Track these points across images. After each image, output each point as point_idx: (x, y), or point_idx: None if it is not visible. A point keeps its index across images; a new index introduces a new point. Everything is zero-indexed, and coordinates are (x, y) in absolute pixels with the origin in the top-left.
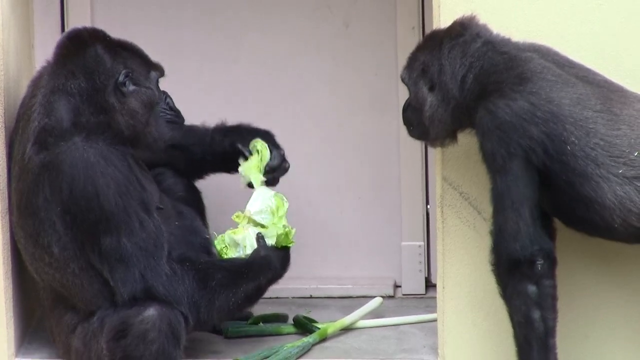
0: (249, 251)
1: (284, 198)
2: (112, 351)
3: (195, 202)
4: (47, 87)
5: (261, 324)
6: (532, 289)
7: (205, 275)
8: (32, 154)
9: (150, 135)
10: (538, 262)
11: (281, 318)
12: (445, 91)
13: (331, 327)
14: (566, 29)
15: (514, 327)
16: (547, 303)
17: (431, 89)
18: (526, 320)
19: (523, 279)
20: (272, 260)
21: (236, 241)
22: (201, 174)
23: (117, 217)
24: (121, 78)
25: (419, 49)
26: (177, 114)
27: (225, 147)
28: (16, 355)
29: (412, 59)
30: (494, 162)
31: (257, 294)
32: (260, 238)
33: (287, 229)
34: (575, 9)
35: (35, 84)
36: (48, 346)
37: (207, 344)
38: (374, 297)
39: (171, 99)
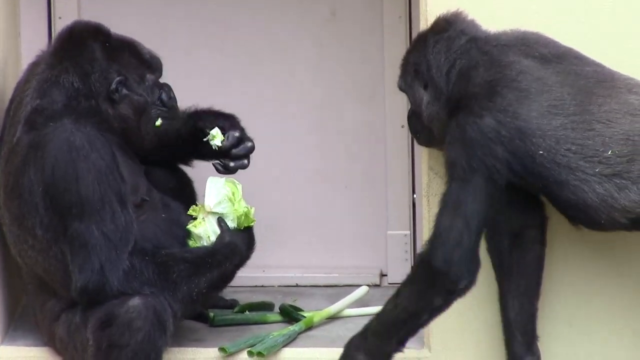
0: (213, 239)
1: (235, 181)
2: (98, 340)
3: (186, 193)
4: (43, 75)
5: (247, 312)
6: (438, 301)
7: (166, 268)
8: (22, 134)
9: (140, 136)
10: (461, 284)
11: (267, 306)
12: (434, 86)
13: (317, 316)
14: (553, 17)
15: (395, 305)
16: (438, 314)
17: (425, 87)
18: (411, 317)
19: (438, 289)
20: (237, 245)
21: (198, 235)
22: (181, 160)
23: (91, 204)
24: (114, 86)
25: (408, 52)
26: (170, 110)
27: (190, 129)
28: (1, 343)
29: (404, 63)
30: (454, 170)
31: (224, 280)
32: (221, 222)
33: (246, 209)
34: None
35: (32, 70)
36: (33, 333)
37: (192, 332)
38: (360, 285)
39: (168, 92)
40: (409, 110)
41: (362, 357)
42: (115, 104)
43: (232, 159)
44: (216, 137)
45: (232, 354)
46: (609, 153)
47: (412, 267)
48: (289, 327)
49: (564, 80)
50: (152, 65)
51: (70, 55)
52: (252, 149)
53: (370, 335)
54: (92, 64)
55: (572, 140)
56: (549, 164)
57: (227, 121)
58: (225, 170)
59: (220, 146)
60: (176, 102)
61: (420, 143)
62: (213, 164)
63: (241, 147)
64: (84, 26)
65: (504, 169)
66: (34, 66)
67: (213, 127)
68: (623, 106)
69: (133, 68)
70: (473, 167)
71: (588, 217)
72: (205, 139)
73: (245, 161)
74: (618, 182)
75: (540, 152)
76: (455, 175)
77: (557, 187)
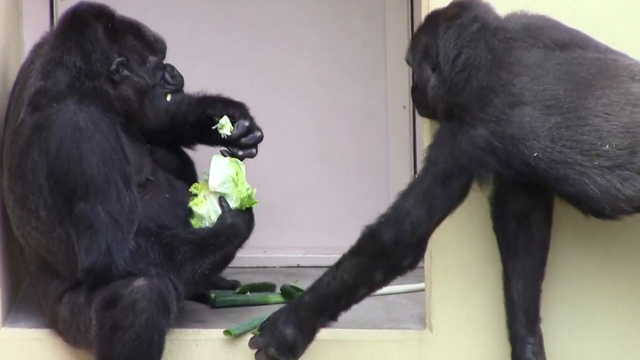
0: (214, 218)
1: (239, 162)
2: (101, 321)
3: (189, 174)
4: (46, 56)
5: (248, 293)
6: (379, 276)
7: (171, 249)
8: (26, 115)
9: (144, 117)
10: (404, 262)
11: (268, 287)
12: (441, 72)
13: None
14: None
15: (334, 277)
16: (376, 289)
17: (434, 70)
18: (349, 290)
19: (381, 263)
20: (239, 227)
21: (200, 214)
22: (186, 144)
23: (96, 184)
24: (114, 66)
25: (421, 30)
26: (177, 82)
27: (198, 116)
28: (3, 324)
29: (415, 40)
30: (433, 166)
31: (226, 261)
32: (223, 202)
33: (249, 191)
34: None
35: (36, 51)
36: (36, 315)
37: (194, 313)
38: None
39: (171, 72)
40: (414, 83)
41: (290, 331)
42: (116, 84)
43: (240, 147)
44: (225, 126)
45: (236, 336)
46: (607, 147)
47: (356, 240)
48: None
49: (562, 75)
50: (155, 47)
51: (72, 36)
52: (260, 138)
53: (303, 308)
54: (93, 44)
55: (566, 137)
56: (545, 163)
57: (237, 110)
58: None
59: (230, 135)
60: (182, 80)
61: (422, 115)
62: (221, 151)
63: (250, 136)
64: (87, 7)
65: (491, 175)
66: (38, 47)
67: (222, 115)
68: (623, 97)
69: (135, 50)
70: (454, 172)
71: (591, 208)
72: (214, 127)
73: (254, 150)
74: (621, 173)
75: (535, 154)
76: (433, 170)
77: (556, 182)
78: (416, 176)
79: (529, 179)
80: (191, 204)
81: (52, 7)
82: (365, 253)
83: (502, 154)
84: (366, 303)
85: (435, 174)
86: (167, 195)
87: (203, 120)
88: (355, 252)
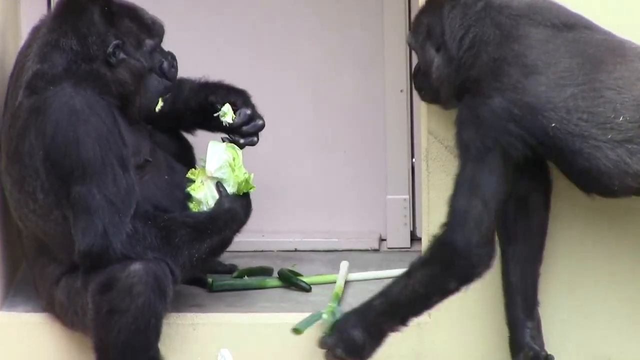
0: (211, 203)
1: (236, 147)
2: (98, 305)
3: (188, 158)
4: (43, 39)
5: (246, 277)
6: (453, 285)
7: (169, 233)
8: (23, 98)
9: (138, 102)
10: (479, 269)
11: (266, 271)
12: (447, 51)
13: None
14: None
15: (406, 285)
16: (449, 297)
17: (438, 50)
18: (422, 298)
19: (455, 273)
20: (237, 212)
21: (198, 199)
22: (186, 129)
23: (92, 167)
24: (110, 49)
25: (422, 12)
26: (170, 85)
27: (200, 102)
28: (0, 308)
29: (417, 22)
30: (467, 152)
31: (223, 246)
32: (220, 187)
33: (246, 175)
34: None
35: (34, 35)
36: (33, 299)
37: (191, 297)
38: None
39: (171, 62)
40: (416, 66)
41: (359, 333)
42: (112, 67)
43: (242, 135)
44: (227, 114)
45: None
46: (620, 119)
47: (426, 250)
48: (330, 305)
49: (573, 50)
50: (152, 30)
51: (69, 19)
52: (262, 127)
53: (372, 313)
54: (90, 27)
55: (582, 109)
56: (562, 134)
57: (239, 97)
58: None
59: (231, 123)
60: (176, 73)
61: (423, 99)
62: (222, 138)
63: (251, 124)
64: None
65: (520, 144)
66: (35, 30)
67: (224, 103)
68: (633, 73)
69: (132, 32)
70: (488, 146)
71: (602, 184)
72: (215, 114)
73: (255, 138)
74: (630, 147)
75: (553, 124)
76: (469, 156)
77: (571, 156)
78: (457, 172)
79: (544, 154)
80: (189, 189)
81: None
82: (437, 263)
83: (521, 121)
84: (364, 287)
85: (472, 158)
86: (166, 177)
87: (205, 107)
88: (427, 261)
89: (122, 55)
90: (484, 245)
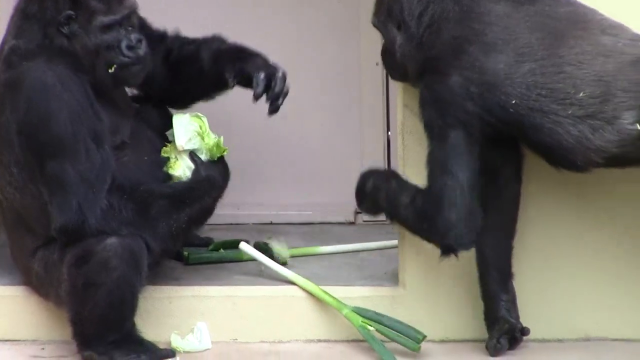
0: (189, 174)
1: (199, 114)
2: (74, 278)
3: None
4: (18, 9)
5: (222, 250)
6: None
7: (145, 206)
8: (1, 73)
9: (94, 79)
10: (456, 249)
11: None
12: (407, 28)
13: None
14: None
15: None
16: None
17: (399, 28)
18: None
19: (435, 243)
20: (215, 178)
21: (178, 177)
22: (200, 98)
23: (64, 142)
24: (62, 19)
25: None
26: (133, 56)
27: (213, 74)
28: None
29: (378, 2)
30: (431, 132)
31: (205, 214)
32: (194, 156)
33: (216, 140)
34: None
35: (15, 6)
36: (11, 272)
37: (168, 270)
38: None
39: (129, 43)
40: (383, 48)
41: (370, 183)
42: (69, 39)
43: (270, 101)
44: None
45: None
46: (581, 95)
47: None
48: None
49: (534, 24)
50: (110, 8)
51: None
52: (281, 90)
53: (392, 188)
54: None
55: (542, 85)
56: (524, 110)
57: (254, 64)
58: None
59: (255, 98)
60: (141, 53)
61: (393, 78)
62: None
63: (270, 93)
64: None
65: (477, 122)
66: (17, 3)
67: (239, 74)
68: (595, 47)
69: (87, 8)
70: (448, 123)
71: (565, 159)
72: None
73: (279, 101)
74: (592, 122)
75: (513, 101)
76: (434, 136)
77: (533, 131)
78: (427, 152)
79: (506, 130)
80: (166, 168)
81: None
82: (421, 232)
83: (479, 99)
84: (339, 260)
85: (436, 136)
86: (146, 158)
87: (219, 79)
88: (413, 223)
89: (76, 28)
90: (464, 221)
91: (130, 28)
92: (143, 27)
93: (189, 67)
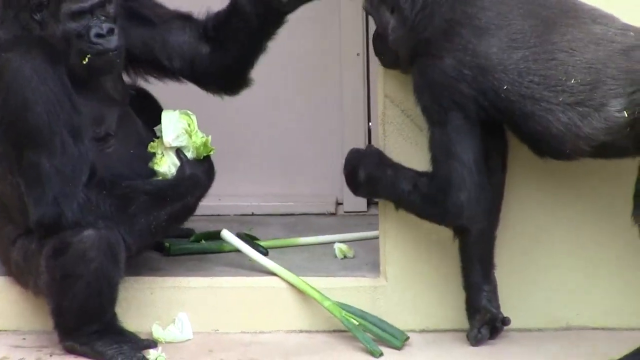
0: (174, 171)
1: (189, 112)
2: (52, 270)
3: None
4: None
5: (203, 241)
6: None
7: (125, 201)
8: None
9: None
10: (476, 222)
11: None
12: (401, 11)
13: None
14: None
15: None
16: None
17: (392, 12)
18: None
19: (447, 224)
20: (199, 177)
21: (164, 173)
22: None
23: (40, 135)
24: (33, 6)
25: None
26: (103, 43)
27: (261, 9)
28: None
29: None
30: (430, 117)
31: (187, 212)
32: (180, 153)
33: (204, 139)
34: None
35: None
36: None
37: (149, 261)
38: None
39: (98, 31)
40: (374, 32)
41: (363, 173)
42: (41, 26)
43: None
44: None
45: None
46: (572, 82)
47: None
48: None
49: (526, 12)
50: None
51: None
52: None
53: (389, 177)
54: None
55: (534, 71)
56: (514, 96)
57: None
58: None
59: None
60: (112, 39)
61: (384, 64)
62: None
63: None
64: None
65: (473, 104)
66: None
67: None
68: (587, 35)
69: None
70: (446, 107)
71: (553, 148)
72: None
73: None
74: (581, 110)
75: (505, 86)
76: (433, 121)
77: (523, 118)
78: (428, 139)
79: (497, 117)
80: (152, 164)
81: None
82: (432, 216)
83: (473, 82)
84: (320, 250)
85: (435, 121)
86: (132, 151)
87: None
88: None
89: (47, 15)
90: (474, 203)
91: (103, 17)
92: (135, 15)
93: (233, 21)
